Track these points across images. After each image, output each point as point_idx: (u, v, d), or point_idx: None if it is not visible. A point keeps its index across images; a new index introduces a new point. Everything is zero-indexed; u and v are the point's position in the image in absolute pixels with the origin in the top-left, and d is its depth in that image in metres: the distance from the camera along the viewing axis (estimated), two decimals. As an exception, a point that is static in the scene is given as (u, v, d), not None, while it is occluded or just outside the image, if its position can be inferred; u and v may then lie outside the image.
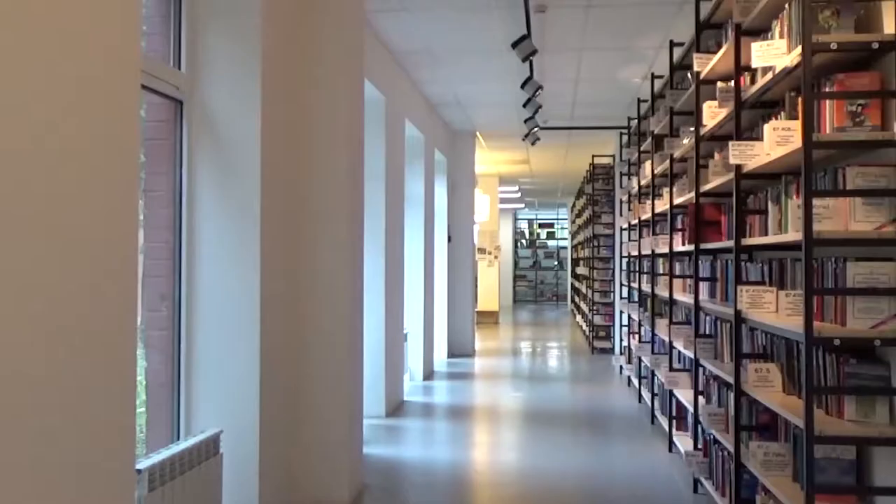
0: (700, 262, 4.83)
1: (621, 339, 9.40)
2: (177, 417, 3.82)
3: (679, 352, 5.66)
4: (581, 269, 15.26)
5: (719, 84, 4.37)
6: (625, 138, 9.67)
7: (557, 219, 26.53)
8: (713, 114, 4.34)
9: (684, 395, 5.29)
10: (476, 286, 14.92)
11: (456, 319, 11.29)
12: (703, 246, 4.67)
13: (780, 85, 3.33)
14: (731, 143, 3.61)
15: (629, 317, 8.58)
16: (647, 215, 7.10)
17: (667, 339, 5.88)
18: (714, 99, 4.39)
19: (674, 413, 5.72)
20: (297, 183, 4.41)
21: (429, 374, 9.25)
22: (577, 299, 17.06)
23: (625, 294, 9.45)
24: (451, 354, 11.02)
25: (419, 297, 8.92)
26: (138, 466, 2.90)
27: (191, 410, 3.82)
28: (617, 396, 8.11)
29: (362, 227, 4.97)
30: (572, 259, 19.86)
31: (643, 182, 7.34)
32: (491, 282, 17.17)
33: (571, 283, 20.06)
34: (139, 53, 2.66)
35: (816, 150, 2.91)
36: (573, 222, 19.04)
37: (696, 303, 4.80)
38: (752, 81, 3.81)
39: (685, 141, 5.14)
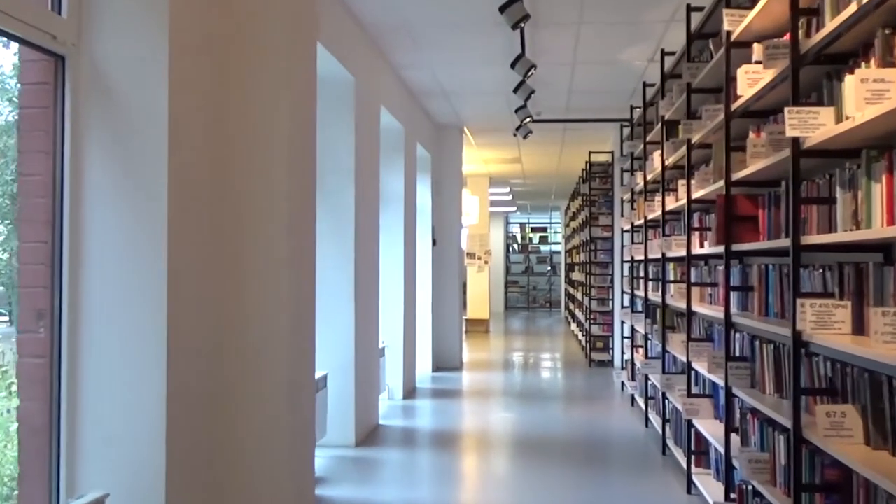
0: (724, 267, 3.94)
1: (622, 353, 8.52)
2: (56, 473, 2.89)
3: (699, 374, 4.77)
4: (576, 275, 14.37)
5: (758, 46, 3.48)
6: (626, 131, 8.78)
7: (550, 222, 25.64)
8: (752, 80, 3.45)
9: (708, 428, 4.39)
10: (464, 293, 14.02)
11: (442, 330, 10.38)
12: (737, 247, 3.78)
13: (864, 23, 2.44)
14: (787, 110, 2.72)
15: (632, 328, 7.69)
16: (655, 214, 6.22)
17: (683, 357, 4.99)
18: (750, 63, 3.51)
19: (692, 446, 4.82)
20: (222, 168, 3.49)
21: (410, 392, 8.34)
22: (571, 306, 16.17)
23: (626, 303, 8.56)
24: (436, 368, 10.10)
25: (398, 306, 8.00)
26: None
27: (75, 464, 2.89)
28: (620, 419, 7.20)
29: (312, 225, 4.08)
30: (566, 264, 18.98)
31: (650, 176, 6.45)
32: (481, 288, 16.27)
33: (566, 290, 19.18)
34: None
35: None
36: (567, 225, 18.17)
37: (728, 318, 3.91)
38: (808, 35, 2.93)
39: (708, 122, 4.25)
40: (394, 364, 7.94)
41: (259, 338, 3.49)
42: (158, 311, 2.92)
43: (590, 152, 10.94)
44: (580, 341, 13.12)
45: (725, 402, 3.88)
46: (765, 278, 3.62)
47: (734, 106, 3.75)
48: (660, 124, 5.84)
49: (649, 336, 6.56)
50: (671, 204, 5.62)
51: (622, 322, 8.58)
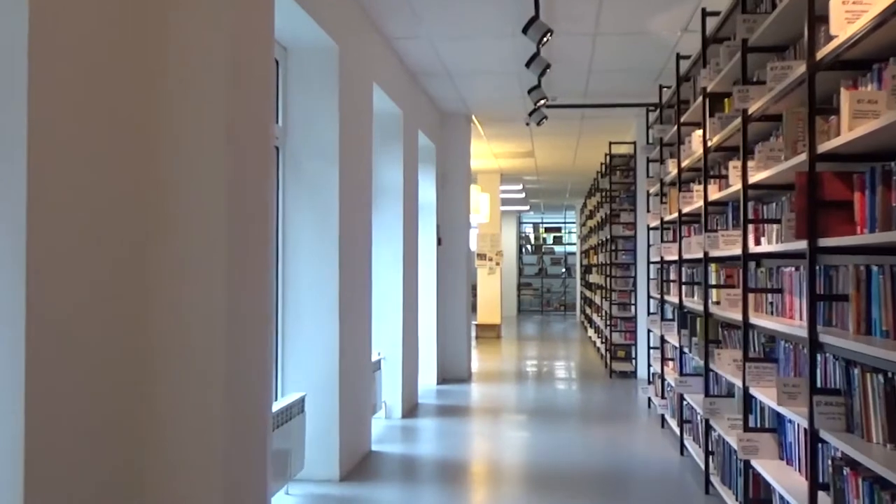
0: (808, 268, 3.00)
1: (649, 365, 7.59)
2: None
3: (758, 401, 3.83)
4: (594, 278, 13.41)
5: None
6: (653, 117, 7.84)
7: (565, 222, 24.69)
8: (851, 14, 2.52)
9: (773, 473, 3.46)
10: (473, 296, 13.10)
11: (448, 338, 9.47)
12: (825, 243, 2.85)
13: None
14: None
15: (661, 339, 6.75)
16: (692, 206, 5.28)
17: (735, 380, 4.06)
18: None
19: (750, 491, 3.88)
20: (124, 145, 2.59)
21: (411, 409, 7.43)
22: (588, 311, 15.21)
23: (653, 309, 7.62)
24: (442, 380, 9.19)
25: (397, 313, 7.09)
26: None
27: None
28: (649, 443, 6.26)
29: (265, 218, 3.19)
30: (582, 266, 18.02)
31: (686, 163, 5.52)
32: (492, 291, 15.33)
33: (581, 293, 18.22)
34: None
35: None
36: (584, 225, 17.21)
37: (813, 337, 2.97)
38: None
39: (774, 84, 3.32)
40: (391, 378, 7.04)
41: (176, 362, 2.59)
42: (13, 319, 2.03)
43: (610, 143, 9.98)
44: (598, 349, 12.18)
45: (809, 448, 2.94)
46: (865, 284, 2.68)
47: (821, 54, 2.82)
48: (700, 98, 4.90)
49: (685, 349, 5.62)
50: (716, 193, 4.68)
51: (648, 331, 7.63)
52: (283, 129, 4.94)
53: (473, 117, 9.68)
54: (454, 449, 6.19)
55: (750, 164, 3.82)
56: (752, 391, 3.72)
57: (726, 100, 4.54)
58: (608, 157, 10.40)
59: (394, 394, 7.07)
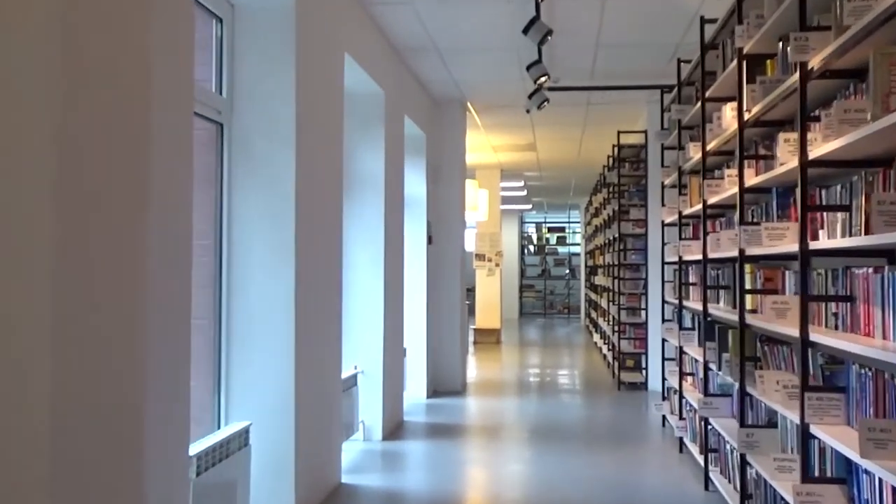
0: (858, 269, 2.14)
1: (664, 379, 6.72)
2: None
3: (818, 441, 2.97)
4: (600, 279, 12.53)
5: None
6: (668, 100, 6.96)
7: (569, 222, 23.82)
8: None
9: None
10: (468, 299, 12.23)
11: (440, 346, 8.60)
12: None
13: None
14: None
15: (679, 350, 5.88)
16: (722, 196, 4.41)
17: (789, 414, 3.19)
18: None
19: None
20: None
21: (394, 429, 6.56)
22: (593, 314, 14.33)
23: (669, 315, 6.75)
24: (433, 392, 8.33)
25: (377, 319, 6.23)
26: None
27: None
28: (667, 473, 5.39)
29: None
30: (587, 267, 17.14)
31: (713, 144, 4.64)
32: (492, 293, 14.45)
33: (586, 295, 17.34)
34: None
35: None
36: (589, 223, 16.32)
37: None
38: None
39: (851, 23, 2.46)
40: (371, 395, 6.17)
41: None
42: None
43: (618, 132, 9.10)
44: (605, 356, 11.30)
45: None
46: None
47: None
48: (735, 62, 4.02)
49: (711, 365, 4.74)
50: (753, 178, 3.82)
51: (663, 340, 6.76)
52: (227, 101, 4.08)
53: (469, 105, 8.82)
54: (440, 480, 5.32)
55: (809, 135, 2.95)
56: (814, 429, 2.86)
57: (768, 62, 3.67)
58: (616, 150, 9.53)
59: (373, 412, 6.20)
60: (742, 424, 3.90)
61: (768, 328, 3.50)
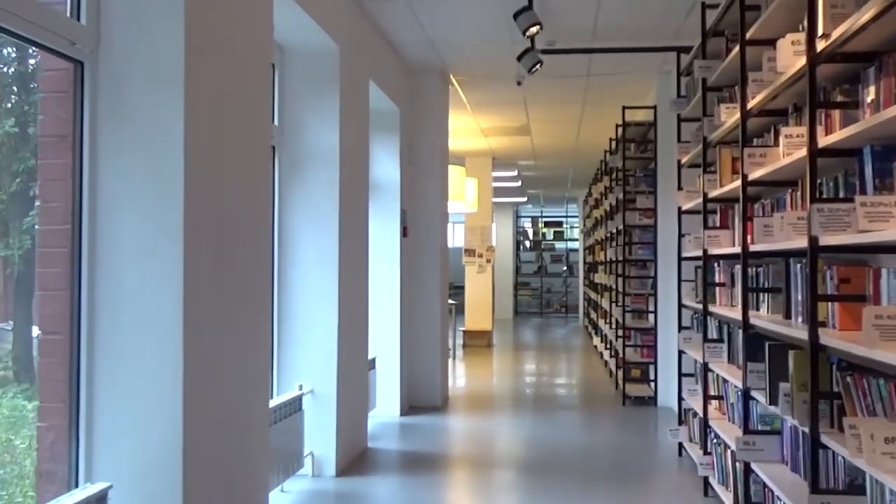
0: None
1: (680, 399, 5.56)
2: None
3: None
4: (600, 277, 11.34)
5: None
6: (685, 63, 5.77)
7: (567, 216, 22.65)
8: None
9: None
10: (456, 298, 11.04)
11: (416, 354, 7.43)
12: None
13: None
14: None
15: (705, 367, 4.69)
16: (774, 167, 3.23)
17: (887, 481, 2.01)
18: None
19: None
20: None
21: (353, 462, 5.38)
22: (593, 315, 13.14)
23: (688, 321, 5.57)
24: (409, 409, 7.16)
25: (331, 327, 5.04)
26: None
27: None
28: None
29: None
30: (586, 263, 15.96)
31: (759, 98, 3.45)
32: (482, 292, 13.27)
33: (585, 294, 16.17)
34: None
35: None
36: (588, 216, 15.14)
37: None
38: None
39: None
40: (322, 420, 4.99)
41: None
42: None
43: (623, 108, 7.91)
44: (606, 362, 10.13)
45: None
46: None
47: None
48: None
49: (756, 394, 3.56)
50: (829, 136, 2.64)
51: (680, 353, 5.57)
52: (90, 29, 2.89)
53: (451, 77, 7.64)
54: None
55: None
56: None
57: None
58: (619, 130, 8.34)
59: (325, 441, 5.02)
60: (814, 489, 2.72)
61: (863, 354, 2.32)
